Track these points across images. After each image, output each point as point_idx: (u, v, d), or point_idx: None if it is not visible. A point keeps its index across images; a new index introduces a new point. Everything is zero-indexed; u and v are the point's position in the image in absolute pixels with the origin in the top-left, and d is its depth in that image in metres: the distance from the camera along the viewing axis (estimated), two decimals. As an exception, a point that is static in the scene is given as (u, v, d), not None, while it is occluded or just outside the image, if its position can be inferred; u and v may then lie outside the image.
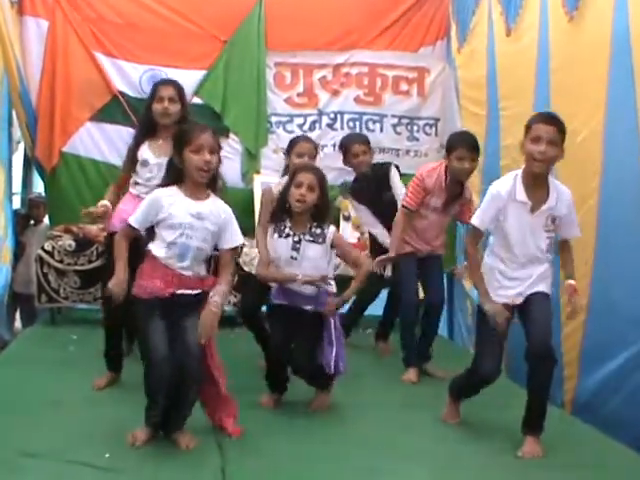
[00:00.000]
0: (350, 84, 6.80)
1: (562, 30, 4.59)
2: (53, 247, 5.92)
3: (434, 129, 6.90)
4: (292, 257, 3.92)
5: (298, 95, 6.75)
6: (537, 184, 3.52)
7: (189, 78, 6.33)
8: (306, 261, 3.92)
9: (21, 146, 7.02)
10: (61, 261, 5.91)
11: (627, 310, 3.96)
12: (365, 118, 6.83)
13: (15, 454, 3.20)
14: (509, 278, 3.62)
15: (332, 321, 3.94)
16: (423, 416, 4.03)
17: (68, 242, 5.94)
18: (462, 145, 4.55)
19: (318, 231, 3.95)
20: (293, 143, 4.65)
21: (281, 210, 3.99)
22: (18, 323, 6.99)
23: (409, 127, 6.87)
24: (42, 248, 5.93)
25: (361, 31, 6.82)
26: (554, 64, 4.65)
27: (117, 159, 6.50)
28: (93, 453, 3.24)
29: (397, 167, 5.30)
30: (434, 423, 3.88)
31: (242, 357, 4.84)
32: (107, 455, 3.22)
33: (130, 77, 6.55)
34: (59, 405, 3.94)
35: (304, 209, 3.90)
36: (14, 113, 6.35)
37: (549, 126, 3.43)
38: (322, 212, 3.95)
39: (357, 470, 3.29)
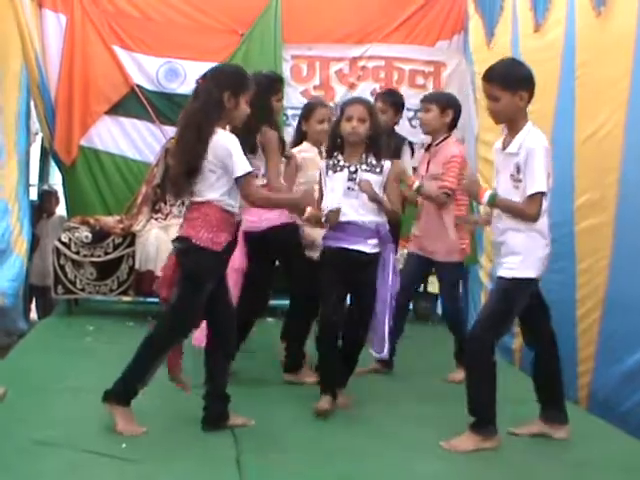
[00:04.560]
0: (367, 77, 6.79)
1: (589, 26, 4.53)
2: (69, 238, 5.94)
3: (449, 122, 6.88)
4: (349, 188, 3.81)
5: (314, 88, 6.73)
6: (510, 134, 3.50)
7: (206, 71, 6.35)
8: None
9: (39, 137, 7.05)
10: (77, 252, 5.93)
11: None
12: (381, 112, 6.81)
13: (31, 442, 3.21)
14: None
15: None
16: (438, 410, 4.02)
17: (85, 234, 5.96)
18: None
19: (374, 162, 3.87)
20: (311, 109, 4.56)
21: (333, 146, 3.92)
22: (34, 314, 7.04)
23: (425, 121, 6.85)
24: (59, 239, 5.96)
25: (378, 25, 6.81)
26: (579, 60, 4.61)
27: (134, 153, 6.58)
28: (109, 443, 3.26)
29: None
30: (449, 417, 3.84)
31: (260, 348, 4.88)
32: (124, 445, 3.24)
33: (147, 70, 6.56)
34: (76, 394, 3.96)
35: (358, 140, 3.83)
36: (32, 105, 6.39)
37: (484, 83, 3.48)
38: (376, 143, 3.88)
39: (372, 463, 3.29)
